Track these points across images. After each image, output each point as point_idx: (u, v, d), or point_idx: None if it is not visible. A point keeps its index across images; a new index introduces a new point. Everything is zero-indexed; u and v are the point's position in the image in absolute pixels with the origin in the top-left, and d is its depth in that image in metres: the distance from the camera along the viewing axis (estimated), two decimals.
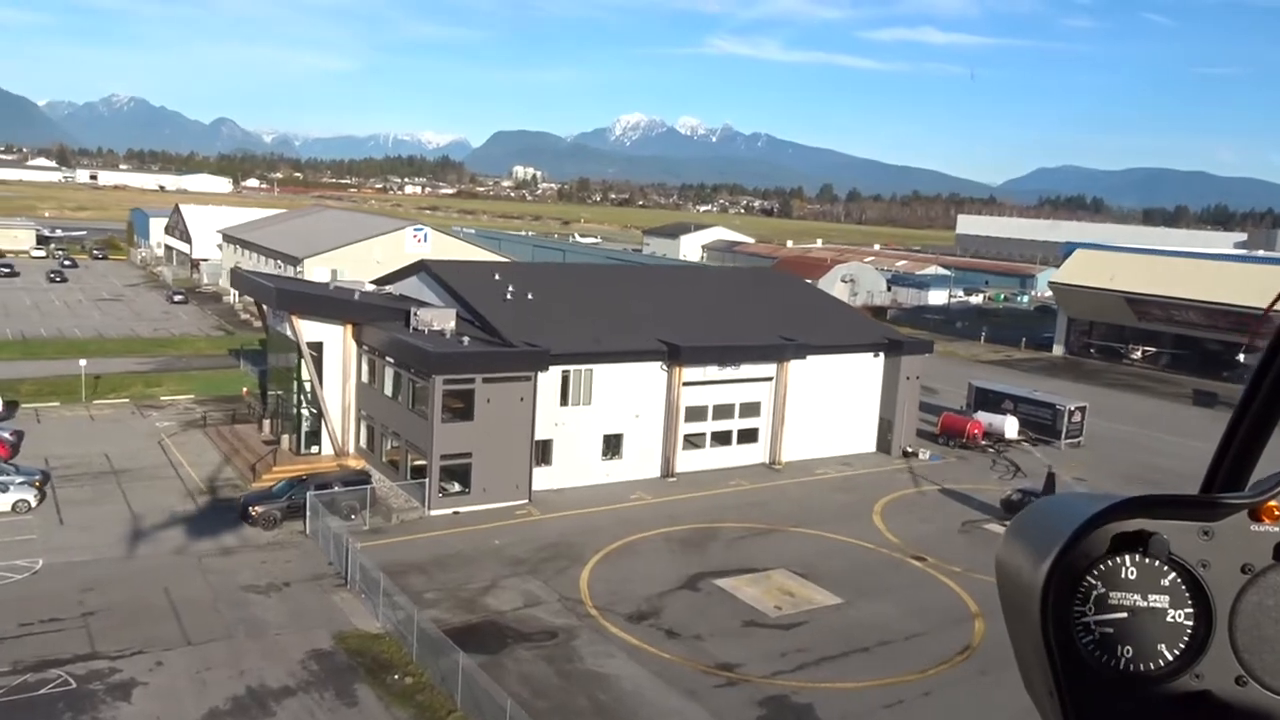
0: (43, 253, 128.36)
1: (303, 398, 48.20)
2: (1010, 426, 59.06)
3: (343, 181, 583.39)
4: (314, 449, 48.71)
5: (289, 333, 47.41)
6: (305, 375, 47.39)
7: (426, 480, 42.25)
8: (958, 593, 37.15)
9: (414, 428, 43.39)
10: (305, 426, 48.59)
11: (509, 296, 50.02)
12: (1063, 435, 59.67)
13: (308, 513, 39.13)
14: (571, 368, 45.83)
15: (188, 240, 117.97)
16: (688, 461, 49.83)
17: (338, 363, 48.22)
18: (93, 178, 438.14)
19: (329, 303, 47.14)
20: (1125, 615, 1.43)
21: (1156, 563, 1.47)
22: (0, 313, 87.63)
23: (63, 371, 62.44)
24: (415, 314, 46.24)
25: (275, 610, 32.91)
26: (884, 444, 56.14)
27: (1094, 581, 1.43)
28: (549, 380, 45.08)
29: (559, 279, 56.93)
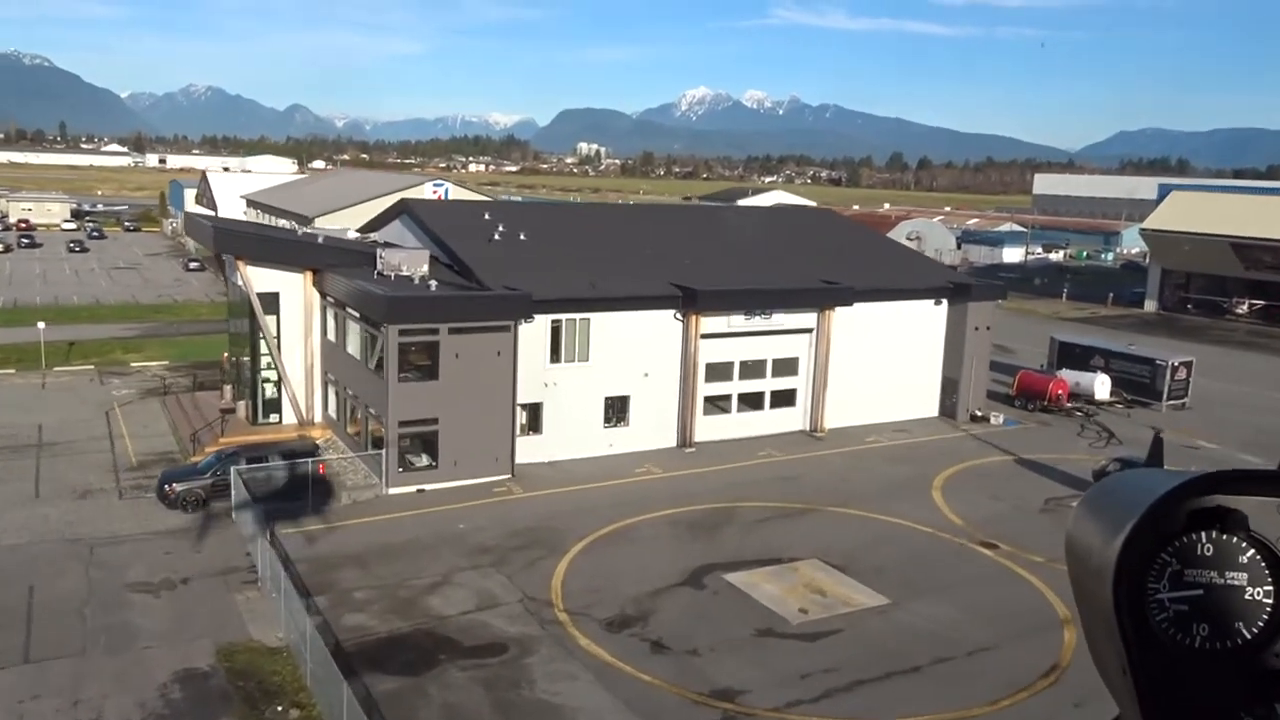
0: (74, 225, 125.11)
1: (258, 359, 41.39)
2: (1101, 386, 49.84)
3: (407, 162, 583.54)
4: (273, 417, 41.94)
5: (240, 283, 40.59)
6: (261, 332, 40.54)
7: (384, 453, 35.06)
8: (1040, 590, 28.78)
9: (372, 390, 36.23)
10: (262, 392, 41.80)
11: (497, 237, 42.50)
12: (1165, 396, 50.24)
13: (239, 492, 32.25)
14: (563, 317, 38.15)
15: (214, 207, 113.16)
16: (710, 429, 41.89)
17: (298, 317, 41.27)
18: (161, 161, 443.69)
19: (278, 245, 40.16)
20: (1201, 593, 1.40)
21: (1234, 539, 1.44)
22: (4, 281, 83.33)
23: (38, 338, 56.97)
24: (381, 256, 39.00)
25: (158, 615, 26.03)
26: (948, 407, 47.49)
27: (1169, 558, 1.40)
28: (536, 332, 37.52)
29: (562, 219, 49.21)
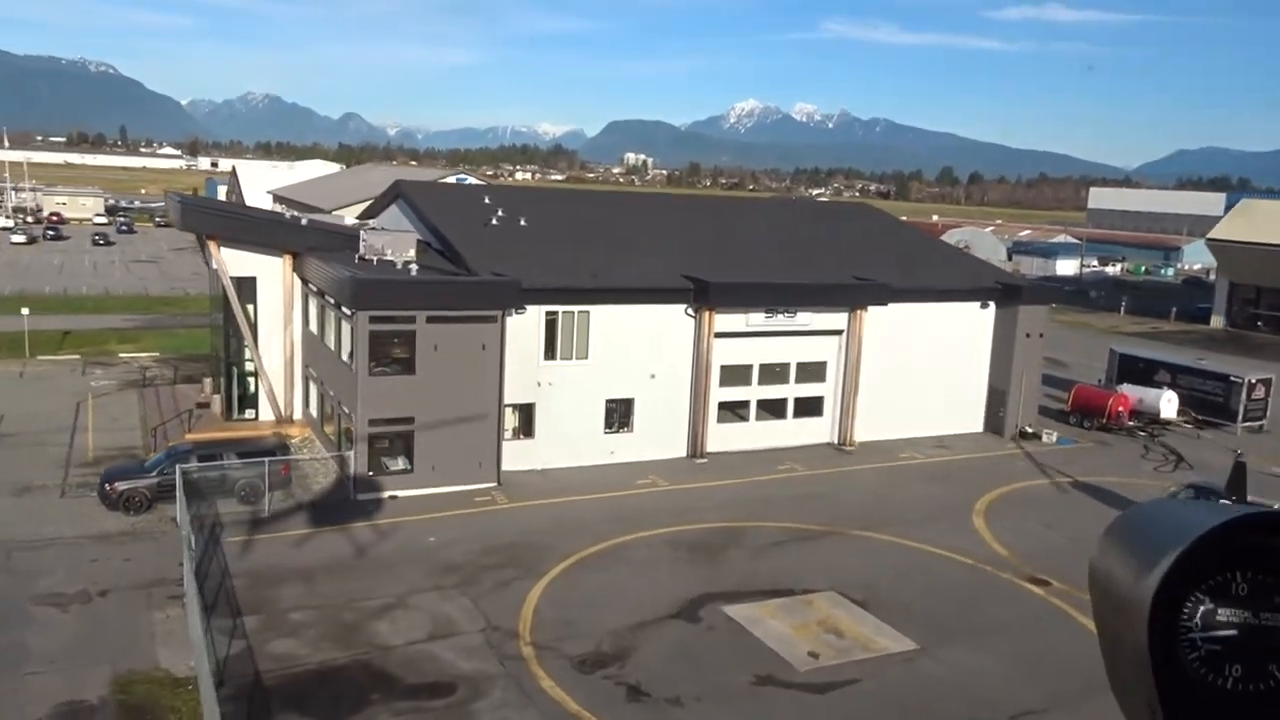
0: (106, 220, 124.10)
1: (233, 350, 38.01)
2: (1168, 404, 44.81)
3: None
4: (249, 413, 38.51)
5: (215, 266, 37.26)
6: (235, 320, 37.13)
7: (352, 454, 31.35)
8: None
9: (344, 384, 32.58)
10: (238, 386, 38.39)
11: (494, 221, 38.74)
12: (1240, 416, 45.07)
13: (179, 494, 28.66)
14: (560, 308, 34.21)
15: (241, 201, 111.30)
16: (724, 439, 37.68)
17: (277, 305, 37.83)
18: (213, 165, 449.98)
19: (252, 224, 36.68)
20: (1235, 633, 1.38)
21: (1272, 580, 1.43)
22: (19, 271, 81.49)
23: (35, 327, 54.45)
24: (364, 238, 35.40)
25: (59, 633, 22.42)
26: (994, 422, 42.82)
27: (1203, 596, 1.38)
28: (528, 325, 33.65)
29: (569, 206, 45.29)
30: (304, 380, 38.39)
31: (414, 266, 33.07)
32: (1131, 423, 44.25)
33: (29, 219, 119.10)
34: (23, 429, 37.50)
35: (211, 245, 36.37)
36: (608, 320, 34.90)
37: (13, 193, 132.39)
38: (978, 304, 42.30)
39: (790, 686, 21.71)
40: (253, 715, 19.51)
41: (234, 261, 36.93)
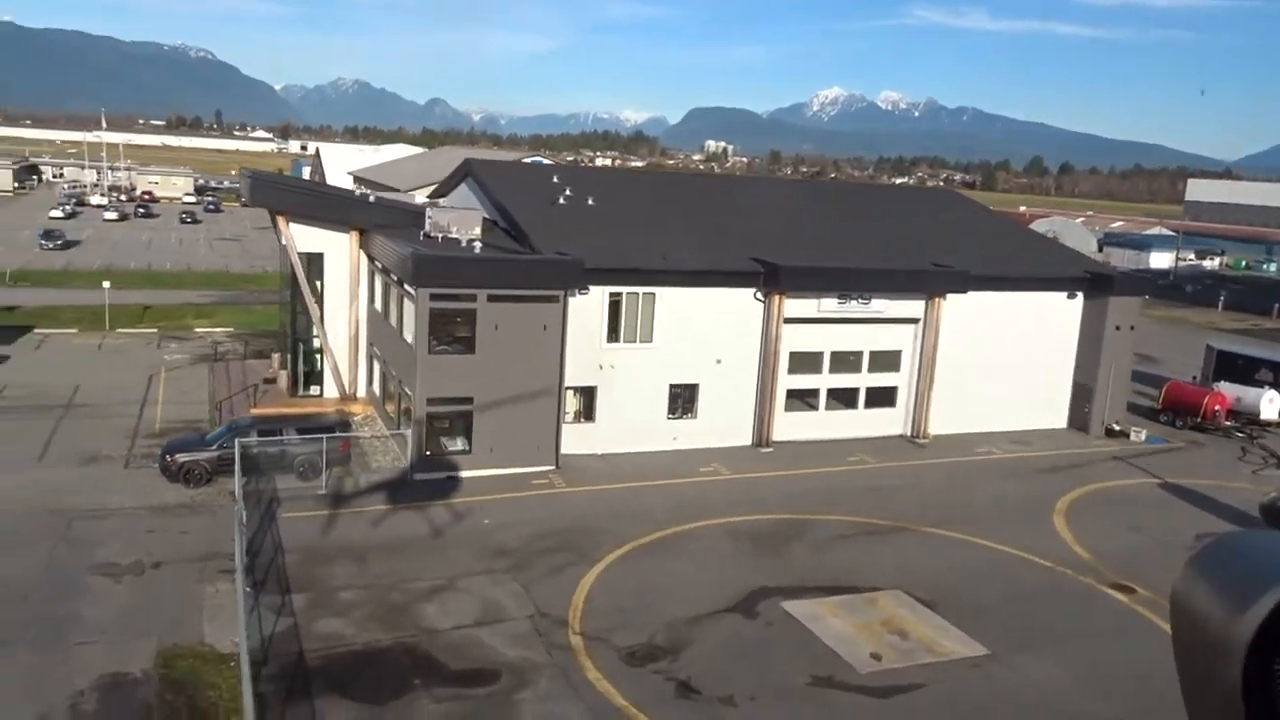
0: (194, 199, 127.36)
1: (300, 326, 38.06)
2: (1269, 404, 42.13)
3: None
4: (314, 389, 38.56)
5: (284, 242, 37.30)
6: (302, 296, 37.15)
7: (409, 433, 31.00)
8: None
9: (404, 362, 32.24)
10: (303, 362, 38.46)
11: (561, 201, 38.03)
12: None
13: (236, 468, 28.64)
14: (624, 290, 33.34)
15: (323, 180, 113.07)
16: (792, 428, 36.45)
17: (343, 282, 37.73)
18: (303, 148, 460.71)
19: (319, 200, 36.57)
20: None
21: None
22: (109, 247, 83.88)
23: (117, 301, 55.75)
24: (429, 215, 35.00)
25: (110, 604, 22.40)
26: (1079, 418, 40.75)
27: None
28: (592, 306, 32.87)
29: (638, 186, 44.31)
30: (368, 358, 38.25)
31: (478, 244, 32.52)
32: (1228, 423, 41.71)
33: (122, 197, 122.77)
34: (96, 400, 38.12)
35: (280, 221, 36.38)
36: (673, 303, 33.92)
37: (109, 172, 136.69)
38: (1065, 294, 40.21)
39: (849, 689, 20.56)
40: (292, 696, 19.13)
41: (302, 237, 36.92)
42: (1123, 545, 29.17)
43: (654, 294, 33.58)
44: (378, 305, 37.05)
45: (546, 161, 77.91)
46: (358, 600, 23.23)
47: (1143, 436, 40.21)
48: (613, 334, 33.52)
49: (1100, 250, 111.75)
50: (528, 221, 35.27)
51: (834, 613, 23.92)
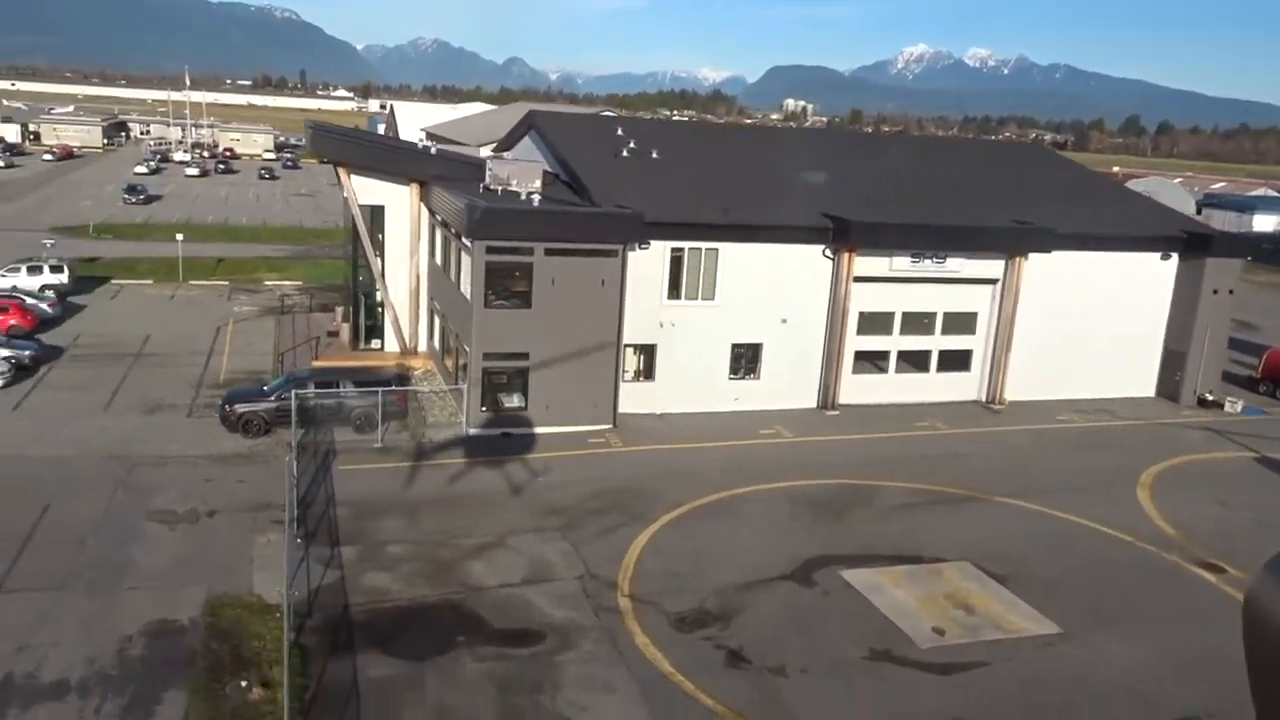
0: (274, 156, 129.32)
1: (361, 279, 37.93)
2: None
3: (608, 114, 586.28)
4: (375, 343, 38.47)
5: (345, 194, 37.07)
6: (362, 249, 36.96)
7: (465, 388, 30.60)
8: None
9: (461, 316, 31.78)
10: (365, 315, 38.36)
11: (625, 153, 37.02)
12: None
13: (293, 419, 28.60)
14: (687, 245, 32.30)
15: (396, 136, 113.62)
16: (859, 390, 35.17)
17: (404, 235, 37.41)
18: (382, 107, 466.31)
19: (380, 152, 36.17)
20: None
21: None
22: (190, 202, 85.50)
23: (192, 254, 56.70)
24: (489, 168, 34.33)
25: (163, 551, 22.46)
26: (1168, 386, 38.61)
27: None
28: (653, 262, 31.93)
29: (705, 139, 42.94)
30: (429, 312, 37.97)
31: (537, 197, 31.76)
32: None
33: (204, 154, 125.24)
34: (165, 350, 38.62)
35: (341, 173, 36.12)
36: (738, 259, 32.79)
37: (192, 129, 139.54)
38: (1158, 255, 37.92)
39: (908, 664, 19.55)
40: (335, 649, 18.88)
41: (363, 190, 36.64)
42: (1212, 521, 27.42)
43: (717, 250, 32.47)
44: (438, 259, 36.65)
45: (611, 113, 76.62)
46: (406, 555, 22.93)
47: (1238, 407, 37.92)
48: (674, 291, 32.56)
49: (1199, 212, 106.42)
50: (589, 174, 34.38)
51: (896, 583, 22.86)
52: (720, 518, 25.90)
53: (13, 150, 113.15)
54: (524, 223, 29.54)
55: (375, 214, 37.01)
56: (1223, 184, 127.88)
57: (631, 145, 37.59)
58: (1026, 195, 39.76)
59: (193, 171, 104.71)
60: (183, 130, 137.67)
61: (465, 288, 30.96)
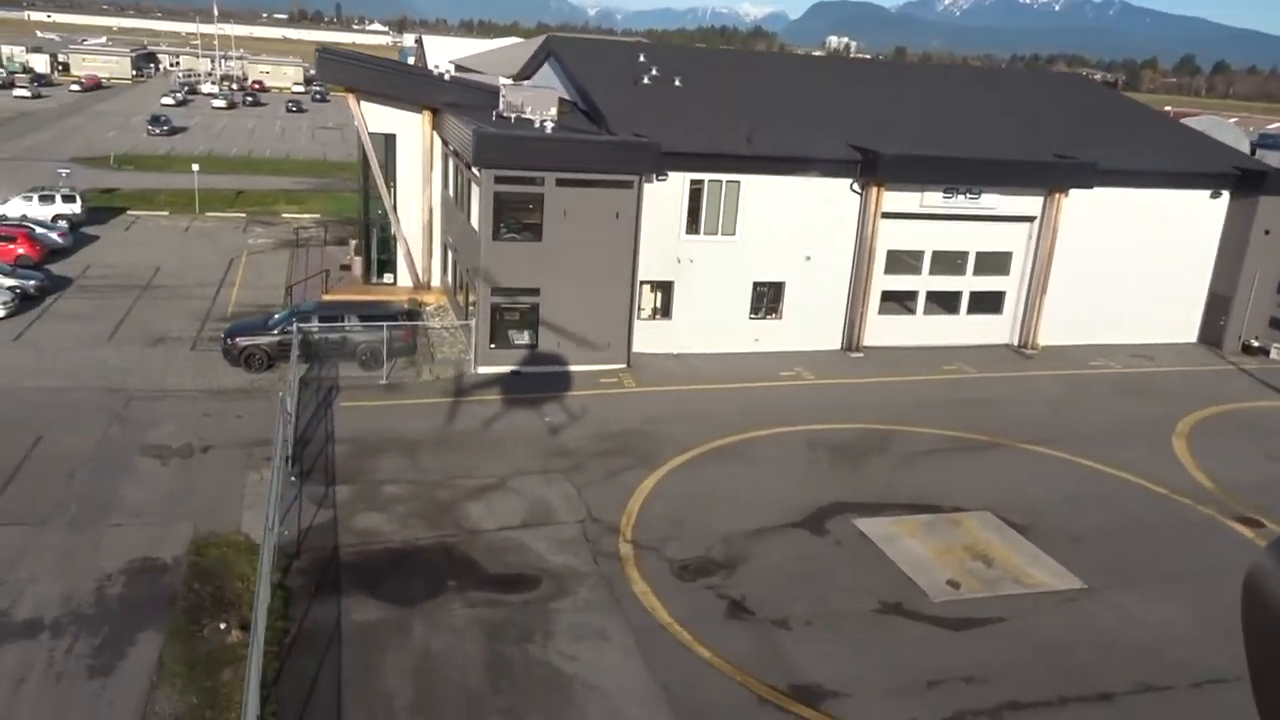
0: (303, 89, 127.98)
1: (373, 211, 36.88)
2: None
3: None
4: (387, 277, 37.56)
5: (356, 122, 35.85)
6: (373, 179, 35.85)
7: (473, 325, 29.64)
8: None
9: (470, 249, 30.69)
10: (376, 248, 37.40)
11: (646, 81, 35.43)
12: None
13: (293, 353, 27.81)
14: (706, 177, 30.85)
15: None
16: (885, 332, 33.80)
17: (416, 165, 36.23)
18: (417, 41, 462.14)
19: (389, 76, 34.76)
20: None
21: None
22: (215, 134, 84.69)
23: (212, 186, 56.02)
24: (503, 94, 32.93)
25: (152, 486, 21.86)
26: (1212, 332, 36.84)
27: None
28: (670, 195, 30.55)
29: (731, 67, 41.07)
30: (442, 246, 36.91)
31: (550, 125, 30.37)
32: None
33: (234, 86, 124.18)
34: (175, 282, 37.99)
35: (350, 99, 34.88)
36: (760, 193, 31.31)
37: (222, 61, 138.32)
38: (1207, 193, 35.87)
39: (919, 618, 18.55)
40: (321, 591, 18.20)
41: (374, 118, 35.42)
42: (1253, 474, 25.99)
43: (739, 182, 30.99)
44: (450, 191, 35.48)
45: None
46: (402, 495, 22.17)
47: None
48: (692, 225, 31.20)
49: (1253, 153, 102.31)
50: (606, 103, 32.88)
51: (912, 533, 21.78)
52: (732, 462, 24.88)
53: (41, 81, 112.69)
54: (534, 151, 28.23)
55: (387, 143, 35.82)
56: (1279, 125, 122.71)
57: (654, 73, 35.96)
58: (1069, 129, 37.70)
59: (220, 104, 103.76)
60: (212, 62, 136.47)
61: (475, 219, 29.81)
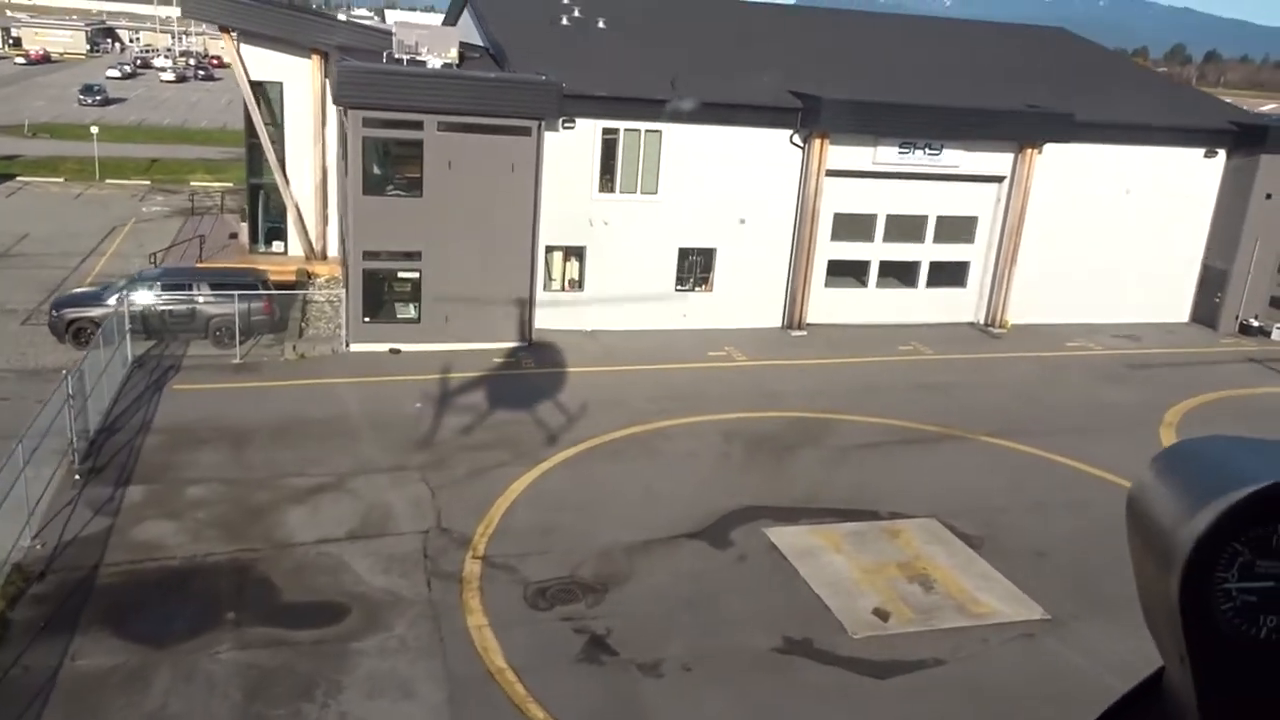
0: None
1: (258, 171, 32.54)
2: None
3: None
4: (276, 245, 33.19)
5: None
6: (255, 132, 31.50)
7: (343, 295, 25.38)
8: None
9: (346, 208, 26.39)
10: (263, 214, 33.06)
11: (565, 21, 31.14)
12: None
13: (124, 327, 23.52)
14: (622, 125, 26.57)
15: None
16: (832, 307, 29.63)
17: (306, 118, 31.79)
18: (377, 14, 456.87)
19: (266, 14, 30.20)
20: (1272, 584, 1.32)
21: None
22: (153, 106, 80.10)
23: (128, 155, 51.81)
24: (395, 35, 28.56)
25: None
26: (1206, 310, 32.78)
27: (1240, 548, 1.28)
28: (580, 146, 26.29)
29: (669, 10, 36.64)
30: (339, 210, 32.56)
31: (439, 64, 26.01)
32: None
33: (191, 61, 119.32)
34: (38, 250, 33.70)
35: (225, 40, 30.50)
36: (686, 145, 27.06)
37: (182, 37, 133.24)
38: (1201, 151, 31.75)
39: (832, 661, 14.42)
40: (53, 627, 13.98)
41: (256, 63, 30.97)
42: None
43: (660, 132, 26.73)
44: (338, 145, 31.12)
45: None
46: (208, 498, 17.94)
47: None
48: (606, 182, 26.94)
49: None
50: (512, 43, 28.55)
51: (837, 546, 17.64)
52: (629, 458, 20.70)
53: None
54: (410, 88, 23.93)
55: (271, 91, 31.42)
56: (1272, 106, 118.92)
57: (576, 14, 31.66)
58: (1043, 81, 33.51)
59: (168, 77, 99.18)
60: (172, 38, 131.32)
61: (344, 170, 25.53)
